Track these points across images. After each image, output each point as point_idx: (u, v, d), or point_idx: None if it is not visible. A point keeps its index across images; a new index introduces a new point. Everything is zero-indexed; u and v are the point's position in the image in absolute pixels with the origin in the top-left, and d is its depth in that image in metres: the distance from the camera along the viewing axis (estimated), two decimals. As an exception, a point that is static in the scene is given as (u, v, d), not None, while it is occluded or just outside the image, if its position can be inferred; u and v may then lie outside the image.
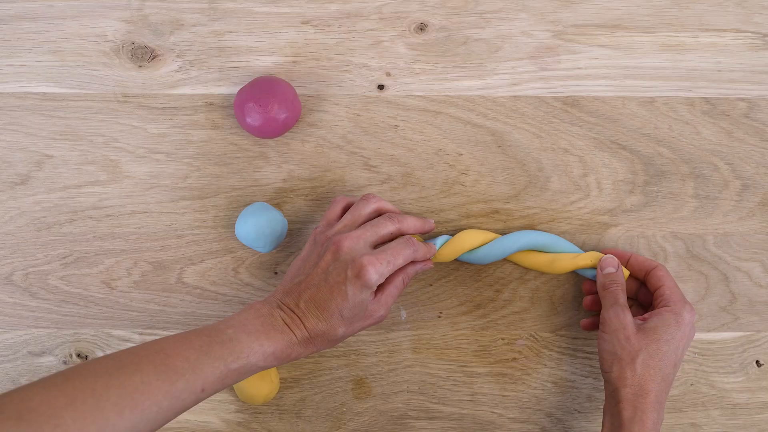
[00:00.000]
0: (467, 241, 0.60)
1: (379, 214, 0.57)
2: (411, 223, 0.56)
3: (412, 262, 0.56)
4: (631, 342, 0.55)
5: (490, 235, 0.61)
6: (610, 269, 0.59)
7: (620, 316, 0.56)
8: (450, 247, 0.59)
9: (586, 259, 0.60)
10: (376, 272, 0.51)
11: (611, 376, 0.55)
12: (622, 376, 0.54)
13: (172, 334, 0.50)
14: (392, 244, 0.54)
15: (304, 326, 0.51)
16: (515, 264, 0.63)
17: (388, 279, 0.54)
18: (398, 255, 0.53)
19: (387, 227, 0.54)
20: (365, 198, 0.57)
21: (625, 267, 0.60)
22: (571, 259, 0.60)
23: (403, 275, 0.55)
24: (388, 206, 0.57)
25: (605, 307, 0.57)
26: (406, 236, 0.55)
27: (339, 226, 0.55)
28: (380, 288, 0.54)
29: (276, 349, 0.50)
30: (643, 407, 0.53)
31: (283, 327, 0.51)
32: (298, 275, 0.54)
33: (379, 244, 0.55)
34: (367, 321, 0.54)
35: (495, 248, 0.60)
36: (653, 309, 0.57)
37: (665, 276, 0.58)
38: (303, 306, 0.52)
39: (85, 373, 0.44)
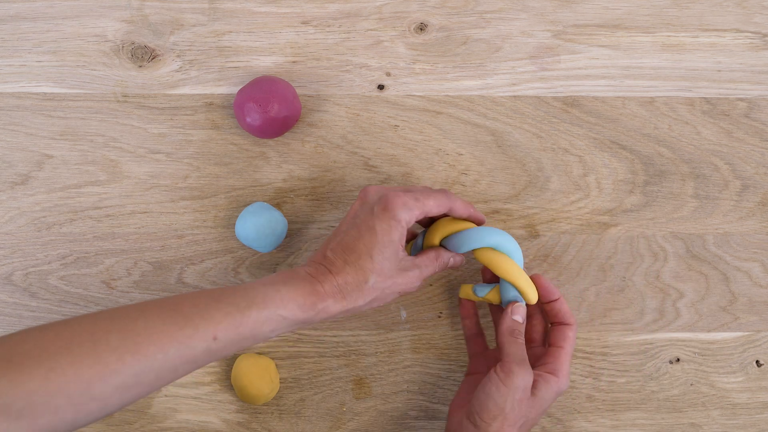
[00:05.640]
0: (447, 226, 0.55)
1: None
2: (461, 204, 0.53)
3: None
4: (522, 407, 0.51)
5: (466, 224, 0.56)
6: (518, 317, 0.54)
7: (525, 376, 0.51)
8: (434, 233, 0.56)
9: (496, 294, 0.56)
10: (404, 204, 0.48)
11: (489, 428, 0.50)
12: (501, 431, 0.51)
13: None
14: (425, 188, 0.52)
15: (332, 275, 0.48)
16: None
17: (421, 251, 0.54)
18: (429, 196, 0.50)
19: (436, 196, 0.50)
20: (442, 189, 0.54)
21: (549, 306, 0.56)
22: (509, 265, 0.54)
23: (436, 252, 0.54)
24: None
25: (509, 356, 0.52)
26: (445, 189, 0.53)
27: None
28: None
29: (297, 295, 0.46)
30: None
31: (307, 276, 0.48)
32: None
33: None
34: (399, 279, 0.50)
35: (468, 236, 0.54)
36: (547, 354, 0.55)
37: (571, 340, 0.55)
38: (330, 254, 0.49)
39: (85, 320, 0.42)
